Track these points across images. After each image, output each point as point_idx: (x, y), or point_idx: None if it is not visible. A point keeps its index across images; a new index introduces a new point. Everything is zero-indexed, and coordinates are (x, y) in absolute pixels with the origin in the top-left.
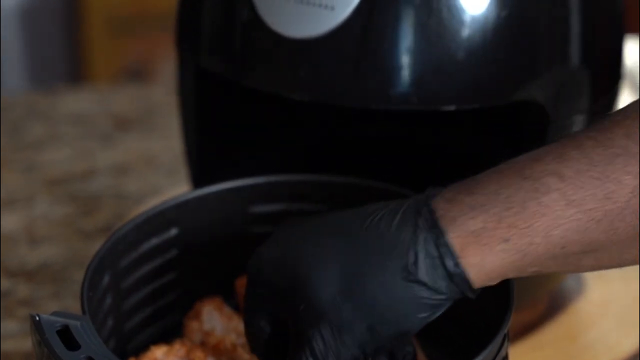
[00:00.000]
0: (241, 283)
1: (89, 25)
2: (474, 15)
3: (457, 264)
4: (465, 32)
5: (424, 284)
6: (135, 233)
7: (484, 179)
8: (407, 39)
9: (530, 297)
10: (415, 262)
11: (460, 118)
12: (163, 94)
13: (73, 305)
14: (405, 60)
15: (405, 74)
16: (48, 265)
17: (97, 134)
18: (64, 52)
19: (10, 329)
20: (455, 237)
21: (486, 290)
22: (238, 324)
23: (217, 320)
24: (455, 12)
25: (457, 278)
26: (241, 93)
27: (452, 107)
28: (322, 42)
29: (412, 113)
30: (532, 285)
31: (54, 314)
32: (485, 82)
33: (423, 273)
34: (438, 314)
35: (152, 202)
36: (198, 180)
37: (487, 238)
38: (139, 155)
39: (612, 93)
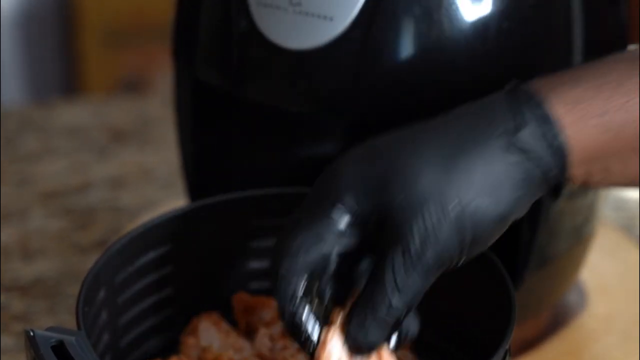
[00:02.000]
0: (238, 299)
1: (84, 36)
2: (475, 26)
3: (558, 132)
4: (466, 43)
5: (524, 152)
6: (132, 247)
7: (578, 66)
8: (407, 50)
9: (532, 312)
10: (516, 132)
11: None
12: (159, 106)
13: (68, 320)
14: (404, 71)
15: (405, 85)
16: (43, 280)
17: (92, 146)
18: (59, 63)
19: (5, 345)
20: (554, 105)
21: (487, 304)
22: (236, 340)
23: (214, 336)
24: (456, 23)
25: (558, 147)
26: (238, 105)
27: None
28: (320, 53)
29: (411, 125)
30: (534, 299)
31: (49, 329)
32: (487, 94)
33: (523, 141)
34: (530, 199)
35: (148, 216)
36: (195, 193)
37: (584, 109)
38: (135, 168)
39: None
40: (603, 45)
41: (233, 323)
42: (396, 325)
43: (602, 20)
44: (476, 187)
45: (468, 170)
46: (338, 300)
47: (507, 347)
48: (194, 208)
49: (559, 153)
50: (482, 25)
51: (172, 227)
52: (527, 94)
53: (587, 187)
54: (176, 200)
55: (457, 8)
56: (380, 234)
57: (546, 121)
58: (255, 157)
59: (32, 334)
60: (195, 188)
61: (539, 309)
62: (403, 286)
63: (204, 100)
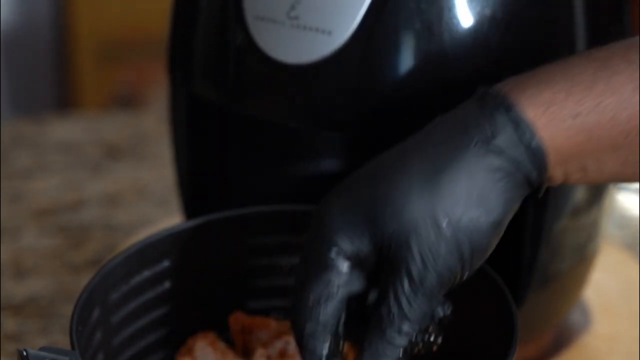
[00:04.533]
0: (235, 318)
1: (78, 50)
2: (476, 40)
3: (533, 135)
4: (467, 58)
5: (503, 157)
6: (127, 265)
7: (547, 66)
8: (406, 64)
9: (535, 331)
10: (492, 138)
11: None
12: (154, 122)
13: (61, 340)
14: (404, 86)
15: (405, 100)
16: (35, 299)
17: (86, 163)
18: (52, 78)
19: None
20: (526, 108)
21: (489, 324)
22: None
23: (210, 356)
24: (456, 37)
25: (535, 150)
26: (235, 121)
27: None
28: (319, 68)
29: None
30: (537, 318)
31: (42, 349)
32: None
33: (501, 147)
34: (517, 201)
35: (143, 233)
36: (190, 210)
37: (556, 111)
38: (130, 185)
39: None
40: None
41: (230, 343)
42: (410, 347)
43: (605, 33)
44: (464, 200)
45: (452, 185)
46: (352, 337)
47: None
48: (191, 225)
49: (537, 155)
50: (483, 38)
51: (167, 245)
52: (498, 99)
53: (568, 183)
54: (171, 218)
55: (457, 21)
56: (380, 266)
57: (520, 125)
58: (252, 174)
59: (25, 353)
60: (191, 205)
61: (541, 328)
62: (410, 311)
63: (200, 116)
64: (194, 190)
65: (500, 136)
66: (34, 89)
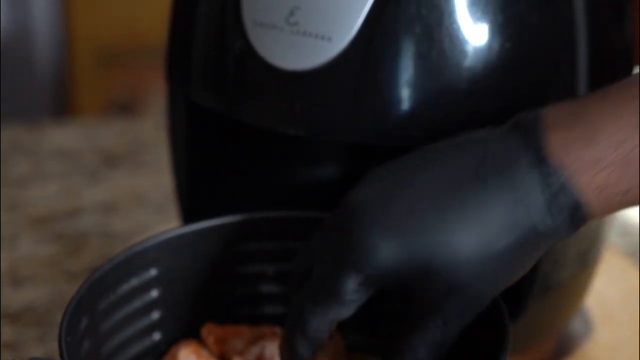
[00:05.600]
0: (208, 330)
1: (76, 57)
2: (477, 46)
3: (585, 216)
4: (468, 63)
5: (549, 236)
6: (114, 274)
7: (600, 125)
8: (407, 71)
9: (536, 340)
10: (548, 224)
11: None
12: (153, 129)
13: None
14: (405, 93)
15: (405, 107)
16: (32, 308)
17: (83, 170)
18: (50, 85)
19: None
20: (586, 193)
21: (487, 334)
22: None
23: None
24: (457, 43)
25: (579, 223)
26: (234, 127)
27: None
28: (318, 74)
29: (412, 148)
30: (538, 327)
31: (32, 359)
32: (489, 115)
33: (553, 227)
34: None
35: None
36: (189, 218)
37: (608, 192)
38: (128, 192)
39: None
40: (608, 63)
41: None
42: None
43: (606, 38)
44: (511, 269)
45: (507, 257)
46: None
47: None
48: (178, 233)
49: (579, 226)
50: (484, 44)
51: (154, 253)
52: (561, 179)
53: None
54: (169, 225)
55: (458, 27)
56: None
57: (578, 210)
58: (251, 181)
59: None
60: (189, 212)
61: (542, 337)
62: (437, 350)
63: (198, 123)
64: (192, 197)
65: (559, 223)
66: (32, 96)
